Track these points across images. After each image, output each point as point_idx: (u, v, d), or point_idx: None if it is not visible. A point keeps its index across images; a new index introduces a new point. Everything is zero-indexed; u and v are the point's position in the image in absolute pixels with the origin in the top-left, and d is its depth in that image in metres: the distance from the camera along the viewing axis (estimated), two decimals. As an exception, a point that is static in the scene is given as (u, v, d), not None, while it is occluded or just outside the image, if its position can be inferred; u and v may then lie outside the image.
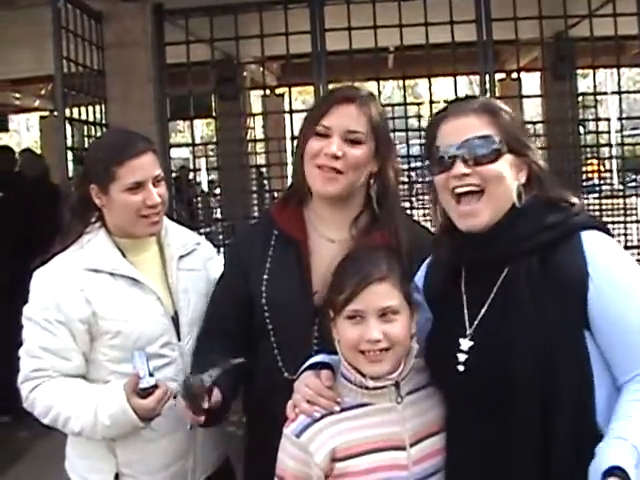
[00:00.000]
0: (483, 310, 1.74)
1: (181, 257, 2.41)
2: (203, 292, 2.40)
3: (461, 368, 1.73)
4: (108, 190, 2.28)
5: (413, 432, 1.78)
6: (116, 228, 2.34)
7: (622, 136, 7.42)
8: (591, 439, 1.59)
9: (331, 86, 6.12)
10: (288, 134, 6.74)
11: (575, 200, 1.78)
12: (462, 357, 1.73)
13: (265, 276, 2.11)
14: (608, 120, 9.24)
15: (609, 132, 8.91)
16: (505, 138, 1.74)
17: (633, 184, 10.43)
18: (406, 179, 7.43)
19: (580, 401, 1.62)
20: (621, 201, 7.73)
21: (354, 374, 1.80)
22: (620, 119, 7.25)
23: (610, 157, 8.95)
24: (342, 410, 1.80)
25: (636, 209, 8.00)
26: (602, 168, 9.61)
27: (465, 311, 1.77)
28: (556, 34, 7.52)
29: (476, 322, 1.74)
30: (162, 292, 2.34)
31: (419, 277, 1.97)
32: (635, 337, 1.63)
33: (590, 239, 1.69)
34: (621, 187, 9.29)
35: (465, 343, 1.74)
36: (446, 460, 1.82)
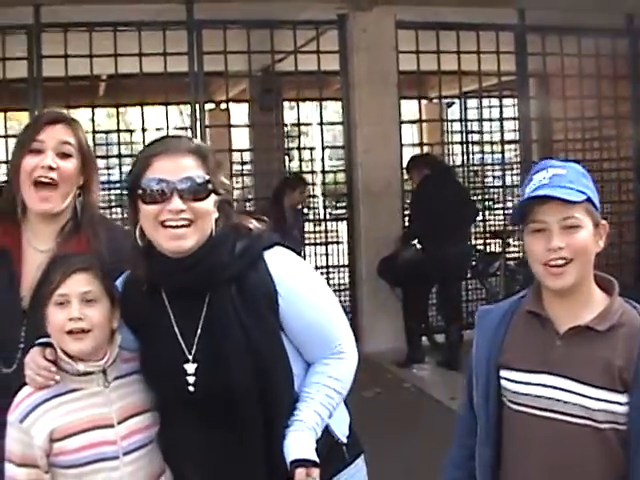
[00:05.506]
0: (197, 336, 1.93)
1: None
2: None
3: (192, 389, 1.92)
4: None
5: (120, 412, 1.98)
6: None
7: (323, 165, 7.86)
8: None
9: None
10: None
11: (254, 224, 2.02)
12: (191, 379, 1.92)
13: None
14: (312, 149, 9.82)
15: (313, 160, 9.49)
16: (212, 180, 1.97)
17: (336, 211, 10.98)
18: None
19: (288, 394, 1.90)
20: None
21: (67, 362, 1.95)
22: (325, 148, 7.75)
23: (314, 184, 9.50)
24: (57, 396, 1.96)
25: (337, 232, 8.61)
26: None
27: (179, 338, 1.94)
28: (263, 68, 7.91)
29: (194, 347, 1.93)
30: None
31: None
32: (317, 334, 1.96)
33: (273, 259, 1.94)
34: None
35: (190, 367, 1.93)
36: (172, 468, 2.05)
